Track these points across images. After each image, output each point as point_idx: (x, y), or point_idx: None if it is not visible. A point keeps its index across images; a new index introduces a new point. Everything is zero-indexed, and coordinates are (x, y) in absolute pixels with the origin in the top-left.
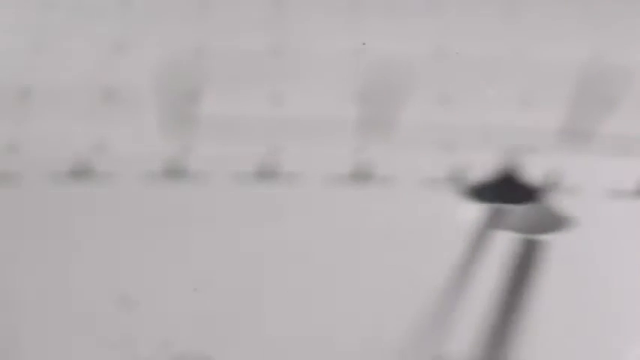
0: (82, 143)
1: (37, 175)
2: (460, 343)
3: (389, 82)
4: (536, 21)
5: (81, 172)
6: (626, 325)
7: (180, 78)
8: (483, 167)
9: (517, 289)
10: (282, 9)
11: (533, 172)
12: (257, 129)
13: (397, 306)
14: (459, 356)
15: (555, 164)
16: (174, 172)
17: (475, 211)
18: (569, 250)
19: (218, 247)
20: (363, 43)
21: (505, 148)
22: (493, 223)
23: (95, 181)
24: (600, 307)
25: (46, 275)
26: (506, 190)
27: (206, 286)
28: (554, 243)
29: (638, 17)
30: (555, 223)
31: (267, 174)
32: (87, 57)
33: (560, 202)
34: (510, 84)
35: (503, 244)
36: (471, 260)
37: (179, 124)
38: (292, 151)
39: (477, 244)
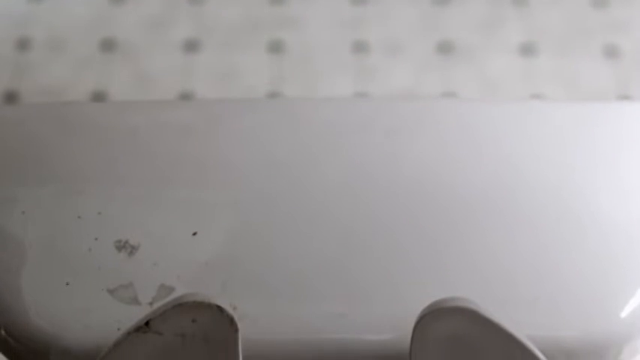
0: (80, 92)
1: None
2: None
3: None
4: None
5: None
6: None
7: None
8: None
9: None
10: None
11: None
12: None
13: None
14: None
15: None
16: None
17: None
18: None
19: (218, 190)
20: None
21: None
22: None
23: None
24: None
25: (44, 220)
26: None
27: (206, 230)
28: None
29: None
30: None
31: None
32: (85, 7)
33: None
34: None
35: None
36: None
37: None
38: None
39: None
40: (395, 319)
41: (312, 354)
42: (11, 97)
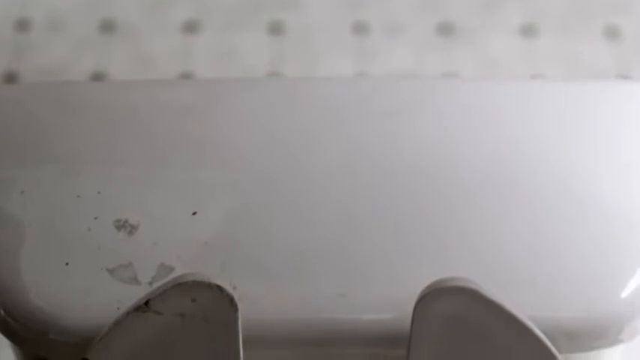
0: (80, 73)
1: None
2: None
3: None
4: None
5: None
6: None
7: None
8: None
9: None
10: None
11: None
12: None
13: None
14: None
15: None
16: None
17: None
18: None
19: (218, 169)
20: None
21: None
22: None
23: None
24: None
25: (43, 199)
26: None
27: (206, 210)
28: None
29: None
30: None
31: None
32: None
33: None
34: None
35: None
36: None
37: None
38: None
39: None
40: (395, 298)
41: (312, 334)
42: (11, 79)
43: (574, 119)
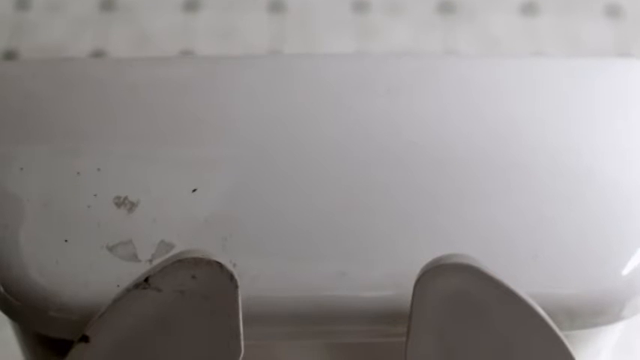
0: (80, 52)
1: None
2: None
3: None
4: None
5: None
6: None
7: None
8: None
9: None
10: None
11: None
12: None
13: None
14: None
15: None
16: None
17: None
18: None
19: (218, 146)
20: None
21: None
22: None
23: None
24: None
25: (43, 176)
26: None
27: (206, 187)
28: None
29: None
30: None
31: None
32: None
33: None
34: None
35: None
36: None
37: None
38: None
39: None
40: (395, 276)
41: (312, 312)
42: (10, 57)
43: (574, 96)
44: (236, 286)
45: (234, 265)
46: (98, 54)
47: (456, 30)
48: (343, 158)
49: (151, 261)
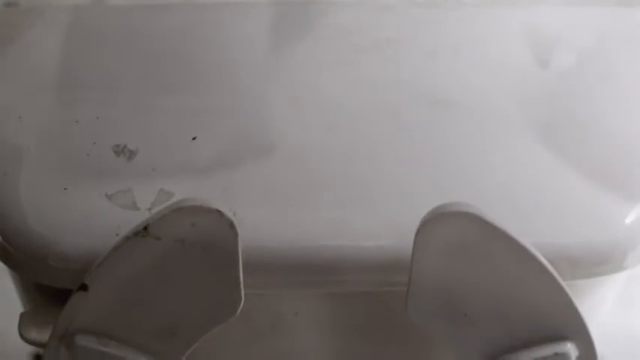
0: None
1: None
2: None
3: None
4: None
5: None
6: None
7: None
8: None
9: None
10: None
11: None
12: None
13: None
14: None
15: None
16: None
17: None
18: None
19: (218, 94)
20: None
21: None
22: None
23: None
24: None
25: (42, 125)
26: None
27: (205, 135)
28: None
29: None
30: None
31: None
32: None
33: None
34: None
35: None
36: None
37: None
38: None
39: None
40: (396, 225)
41: (313, 261)
42: (9, 6)
43: (577, 45)
44: (236, 234)
45: (234, 213)
46: (97, 1)
47: None
48: (345, 106)
49: (150, 209)
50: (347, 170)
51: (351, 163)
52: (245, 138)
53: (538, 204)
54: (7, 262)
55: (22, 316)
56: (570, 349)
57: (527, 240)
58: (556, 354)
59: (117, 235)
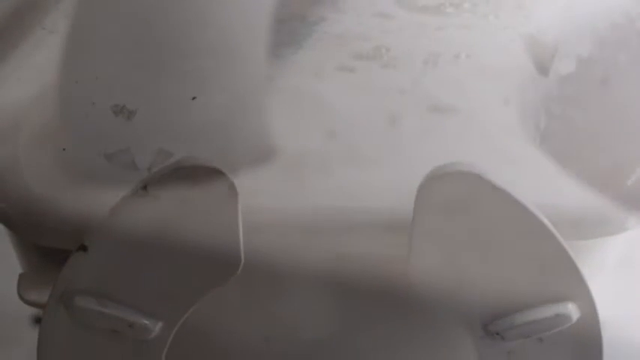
0: None
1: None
2: None
3: None
4: None
5: None
6: None
7: None
8: None
9: None
10: None
11: None
12: None
13: None
14: None
15: None
16: None
17: None
18: None
19: (218, 54)
20: None
21: None
22: None
23: None
24: None
25: (40, 83)
26: None
27: (205, 94)
28: None
29: None
30: None
31: None
32: None
33: None
34: None
35: None
36: None
37: None
38: None
39: None
40: (397, 185)
41: (312, 222)
42: None
43: (576, 52)
44: (236, 194)
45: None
46: None
47: None
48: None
49: (149, 169)
50: (345, 130)
51: (350, 123)
52: (244, 97)
53: (538, 165)
54: (5, 223)
55: (21, 277)
56: (572, 309)
57: (529, 200)
58: (557, 315)
59: (116, 195)
